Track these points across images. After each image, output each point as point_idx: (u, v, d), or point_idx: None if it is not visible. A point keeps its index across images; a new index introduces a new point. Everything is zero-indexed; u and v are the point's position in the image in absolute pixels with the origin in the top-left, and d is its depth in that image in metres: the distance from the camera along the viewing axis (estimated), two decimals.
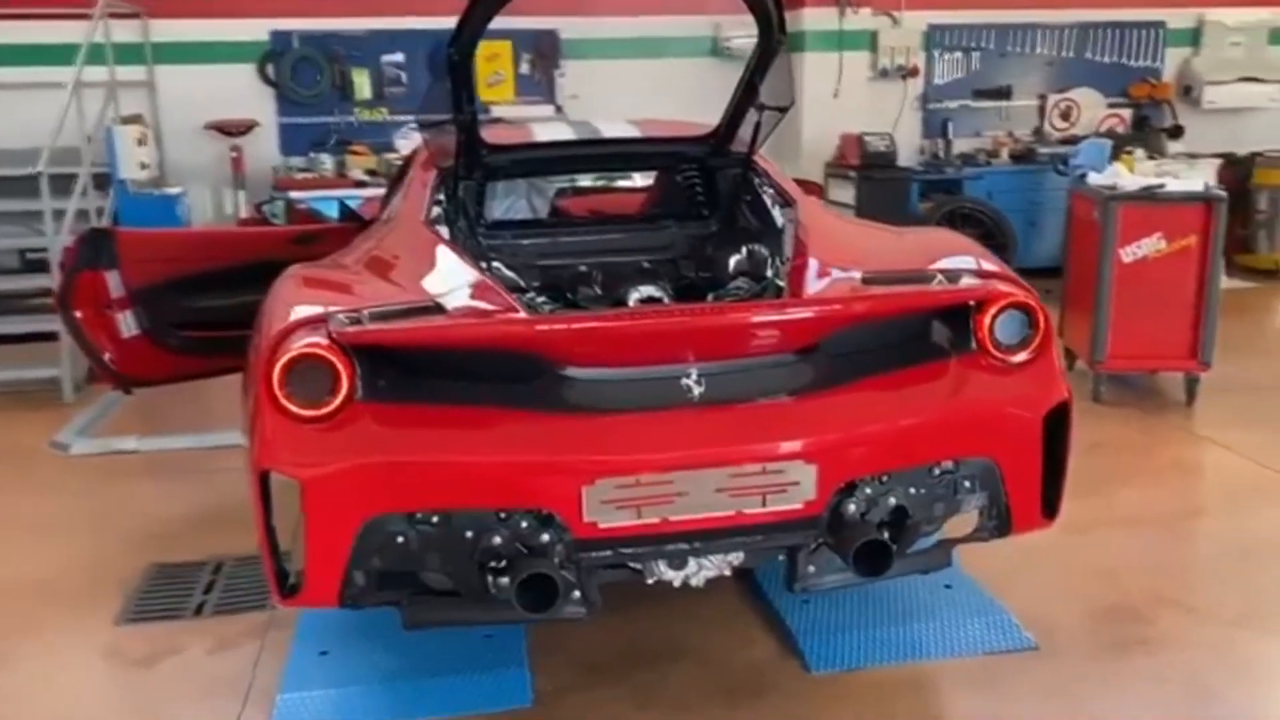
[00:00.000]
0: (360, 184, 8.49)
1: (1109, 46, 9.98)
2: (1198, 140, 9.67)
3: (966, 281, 2.91)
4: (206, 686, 3.37)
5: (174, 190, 7.64)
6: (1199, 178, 6.58)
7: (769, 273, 3.44)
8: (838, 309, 2.75)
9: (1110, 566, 3.96)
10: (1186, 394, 5.84)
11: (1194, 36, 10.07)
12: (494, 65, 9.03)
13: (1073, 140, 9.66)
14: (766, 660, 3.41)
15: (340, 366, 2.59)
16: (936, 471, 2.81)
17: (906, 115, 9.52)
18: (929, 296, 2.85)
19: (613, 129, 4.28)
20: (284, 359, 2.57)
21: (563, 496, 2.57)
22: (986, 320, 2.84)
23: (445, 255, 3.26)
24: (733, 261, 3.61)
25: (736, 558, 2.87)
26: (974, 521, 3.02)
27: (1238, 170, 9.42)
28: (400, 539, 2.62)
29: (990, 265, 3.11)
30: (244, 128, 8.41)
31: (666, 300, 3.22)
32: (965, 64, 9.75)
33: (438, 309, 2.78)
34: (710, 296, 3.31)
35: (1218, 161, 9.26)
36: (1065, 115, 9.96)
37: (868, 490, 2.73)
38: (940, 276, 2.97)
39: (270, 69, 8.72)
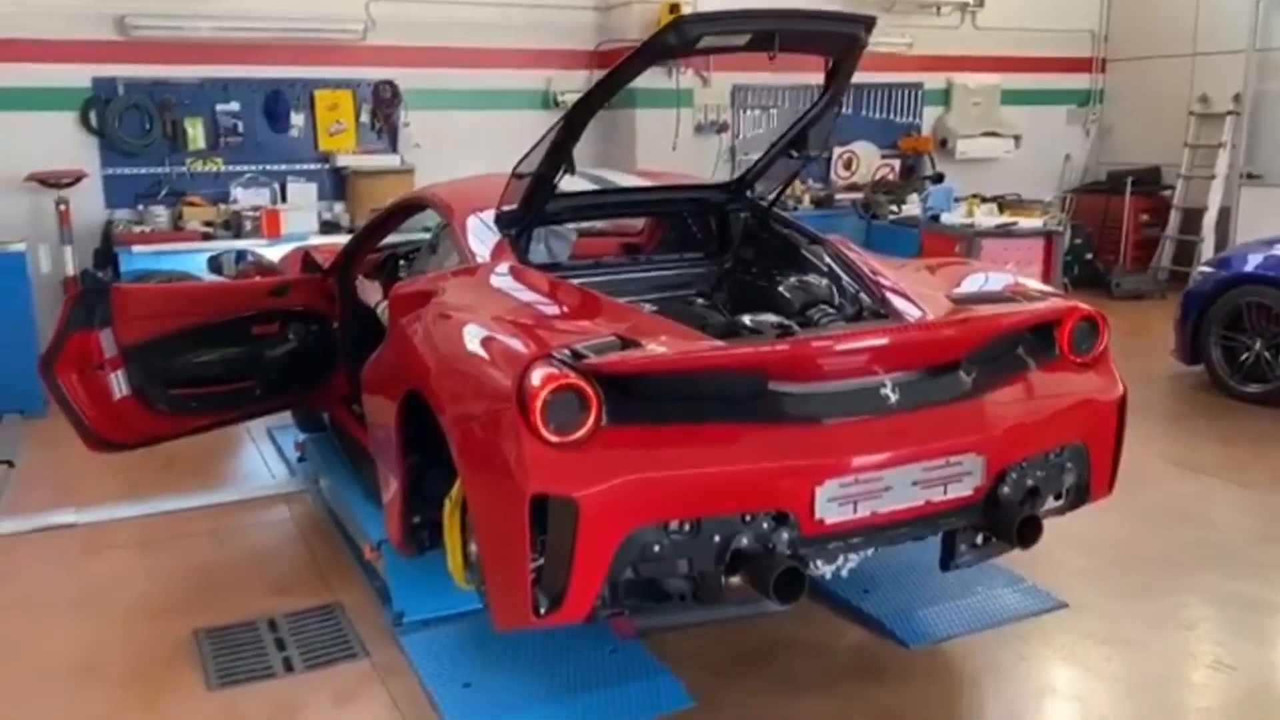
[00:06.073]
0: (206, 236, 8.16)
1: (880, 105, 11.33)
2: (954, 186, 11.13)
3: (1051, 301, 3.55)
4: None
5: (16, 247, 7.02)
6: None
7: (839, 300, 3.90)
8: (993, 324, 3.29)
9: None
10: None
11: (945, 97, 11.66)
12: (335, 114, 8.95)
13: (855, 187, 10.89)
14: (866, 643, 3.85)
15: (592, 394, 2.81)
16: (1051, 456, 3.39)
17: (721, 166, 10.35)
18: (1038, 313, 3.45)
19: (625, 179, 4.63)
20: (546, 391, 2.75)
21: (800, 496, 2.91)
22: (1067, 331, 3.49)
23: (582, 292, 3.52)
24: (786, 290, 4.04)
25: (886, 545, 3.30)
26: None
27: None
28: (656, 548, 2.85)
29: (1044, 286, 3.78)
30: (72, 179, 7.81)
31: (795, 327, 3.59)
32: (765, 120, 10.73)
33: (634, 343, 3.03)
34: (794, 321, 3.72)
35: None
36: (847, 165, 11.18)
37: (1014, 475, 3.26)
38: (1020, 298, 3.59)
39: (93, 117, 8.18)
